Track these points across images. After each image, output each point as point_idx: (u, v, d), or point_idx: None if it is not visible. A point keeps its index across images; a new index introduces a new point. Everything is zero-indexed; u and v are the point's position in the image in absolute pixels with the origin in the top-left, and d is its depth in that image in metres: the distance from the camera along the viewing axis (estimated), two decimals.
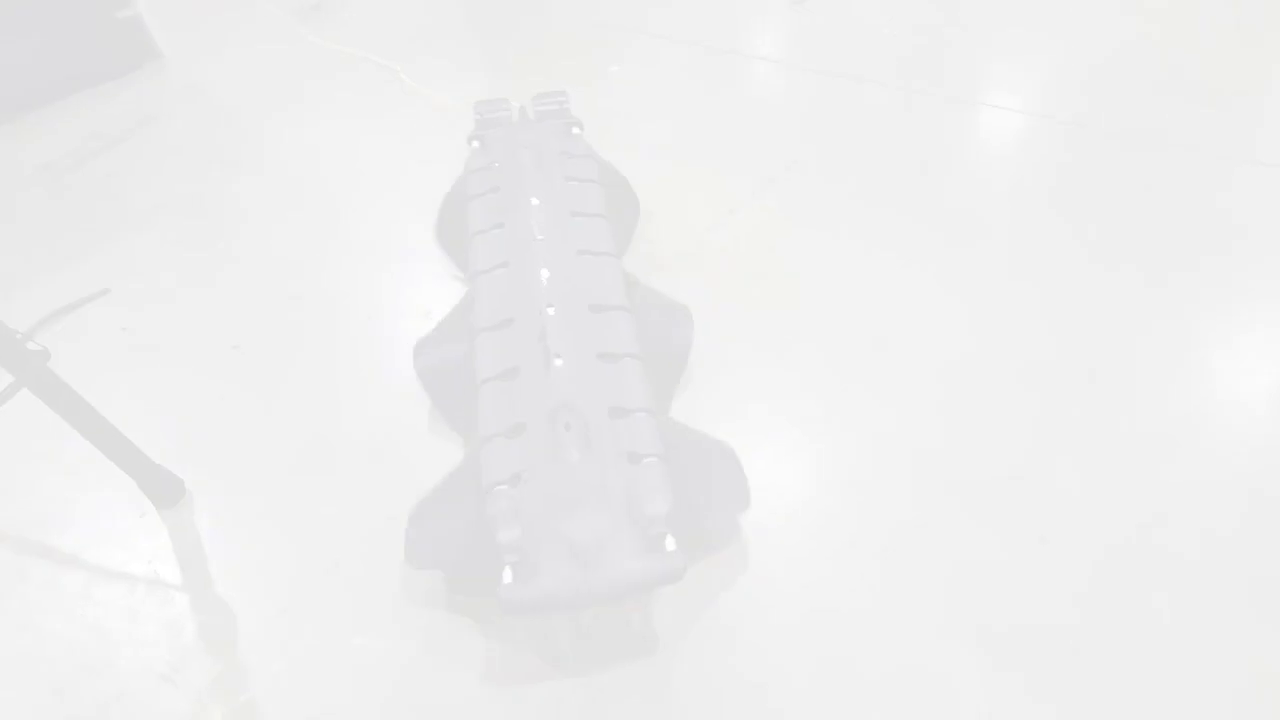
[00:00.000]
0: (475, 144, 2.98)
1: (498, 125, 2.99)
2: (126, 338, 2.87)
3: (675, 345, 2.56)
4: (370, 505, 2.34)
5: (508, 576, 1.80)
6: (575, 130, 2.99)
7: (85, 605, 2.18)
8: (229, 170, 3.64)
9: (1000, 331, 2.64)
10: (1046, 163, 3.31)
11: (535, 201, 2.59)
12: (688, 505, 1.99)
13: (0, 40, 3.88)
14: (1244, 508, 2.15)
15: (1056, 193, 3.16)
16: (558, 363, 2.14)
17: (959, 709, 1.85)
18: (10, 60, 3.93)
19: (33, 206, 3.52)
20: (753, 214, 3.18)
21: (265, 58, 4.41)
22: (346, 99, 4.04)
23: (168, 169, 3.67)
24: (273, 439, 2.54)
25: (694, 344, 2.58)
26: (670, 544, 1.83)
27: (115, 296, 3.00)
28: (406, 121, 3.85)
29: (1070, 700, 1.84)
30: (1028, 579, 2.04)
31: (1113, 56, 3.86)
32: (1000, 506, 2.20)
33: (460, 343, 2.42)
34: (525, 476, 1.95)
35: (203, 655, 2.07)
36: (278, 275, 3.09)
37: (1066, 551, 2.09)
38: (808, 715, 1.86)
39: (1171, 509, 2.15)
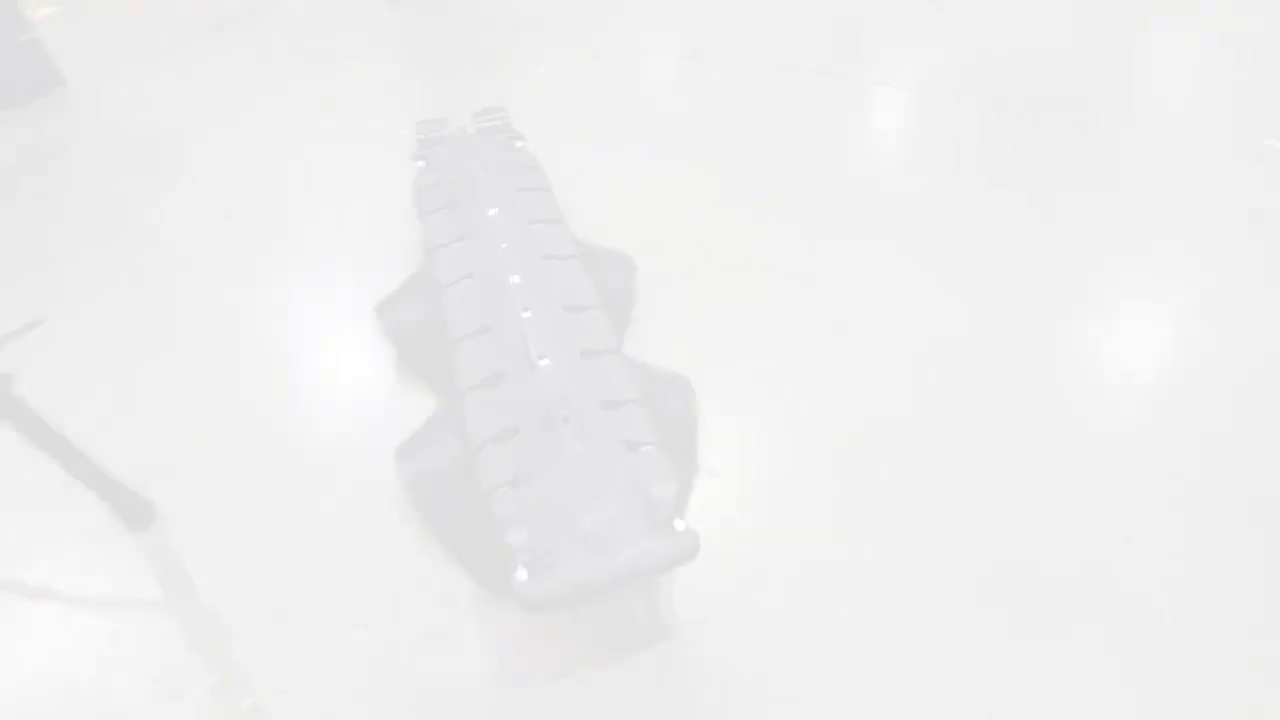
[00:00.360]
0: (420, 163, 3.00)
1: (439, 143, 3.04)
2: (64, 364, 2.80)
3: (617, 293, 2.70)
4: (351, 501, 2.35)
5: (522, 574, 1.81)
6: (519, 143, 3.04)
7: (64, 633, 2.13)
8: (148, 193, 3.57)
9: (966, 297, 2.84)
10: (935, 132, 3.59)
11: (493, 212, 2.64)
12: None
13: None
14: (1199, 433, 2.38)
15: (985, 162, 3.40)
16: (543, 363, 2.17)
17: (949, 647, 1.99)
18: None
19: None
20: (690, 193, 3.34)
21: (172, 80, 4.32)
22: (260, 118, 4.01)
23: (85, 194, 3.57)
24: (236, 450, 2.51)
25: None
26: (680, 525, 1.88)
27: (51, 325, 2.92)
28: (327, 137, 3.84)
29: (1055, 637, 2.00)
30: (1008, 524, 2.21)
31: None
32: (975, 467, 2.35)
33: (423, 301, 2.54)
34: (525, 476, 1.97)
35: (200, 668, 2.04)
36: (215, 287, 3.06)
37: (1041, 495, 2.27)
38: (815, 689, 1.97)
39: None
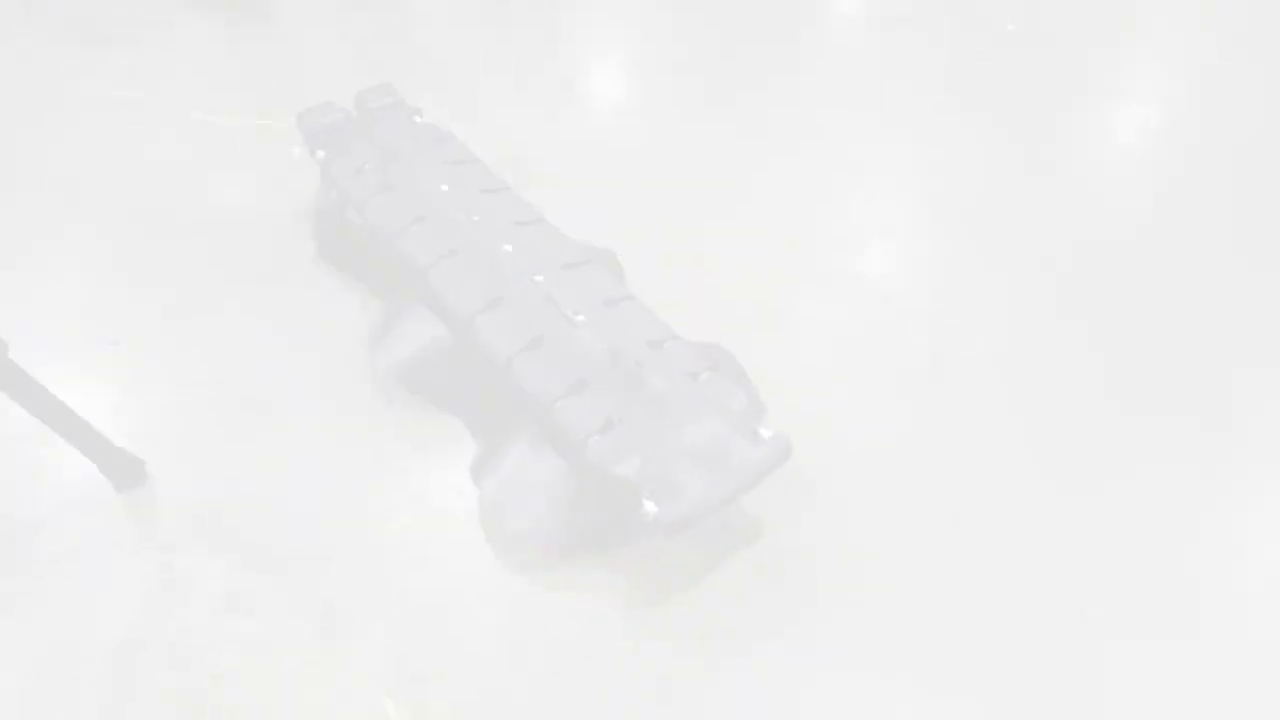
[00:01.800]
0: (321, 154, 2.78)
1: (331, 130, 2.81)
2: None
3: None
4: (345, 434, 2.45)
5: (651, 506, 1.95)
6: (418, 118, 2.89)
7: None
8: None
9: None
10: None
11: (446, 188, 2.60)
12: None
13: None
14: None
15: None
16: (580, 319, 2.27)
17: None
18: None
19: None
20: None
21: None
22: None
23: None
24: (214, 409, 2.54)
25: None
26: (765, 432, 2.07)
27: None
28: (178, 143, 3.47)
29: None
30: None
31: None
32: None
33: (426, 331, 2.43)
34: (615, 421, 2.09)
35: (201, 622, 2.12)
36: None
37: None
38: None
39: None
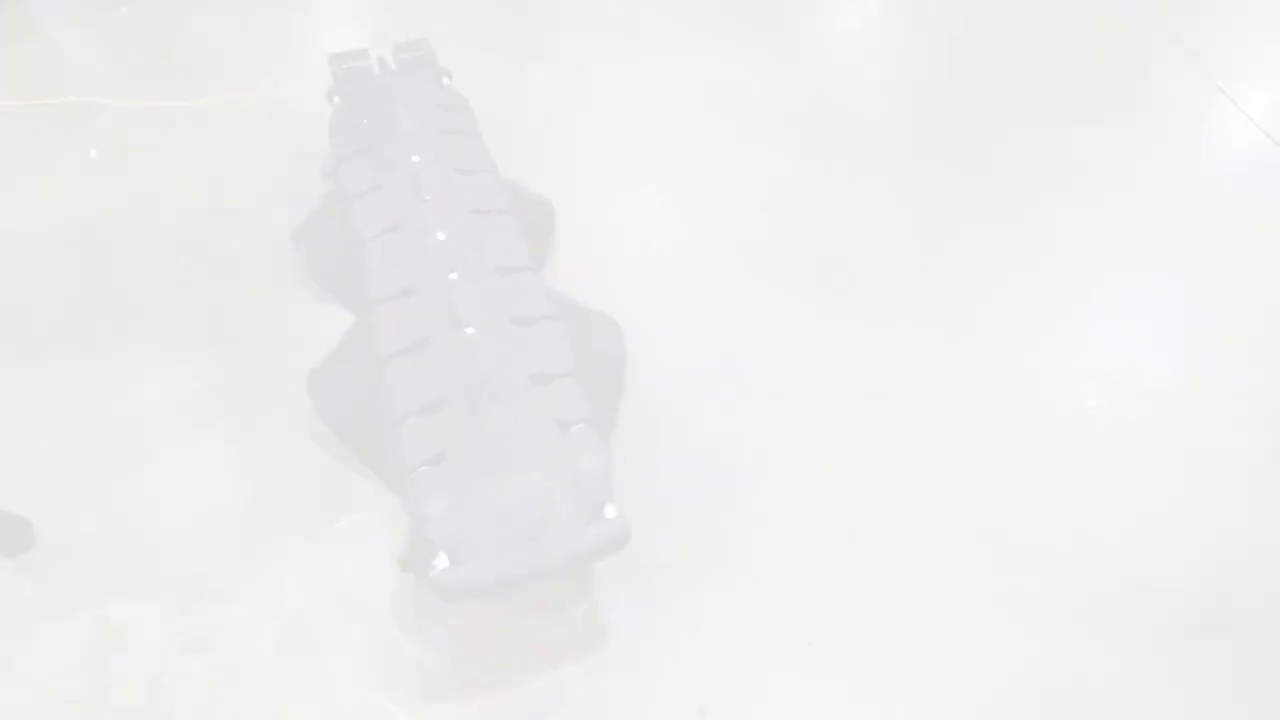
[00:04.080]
0: (336, 100, 2.72)
1: (358, 78, 2.73)
2: None
3: (610, 359, 2.43)
4: (257, 463, 2.30)
5: (442, 560, 1.71)
6: (445, 80, 2.78)
7: None
8: None
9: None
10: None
11: (416, 159, 2.42)
12: (583, 366, 2.07)
13: None
14: None
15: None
16: (469, 331, 2.03)
17: None
18: None
19: None
20: None
21: None
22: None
23: None
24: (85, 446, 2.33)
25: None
26: (610, 511, 1.79)
27: None
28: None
29: None
30: None
31: None
32: None
33: (358, 374, 2.20)
34: (447, 455, 1.86)
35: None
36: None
37: None
38: None
39: None
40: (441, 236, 2.24)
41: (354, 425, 2.23)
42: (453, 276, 2.15)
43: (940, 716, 1.93)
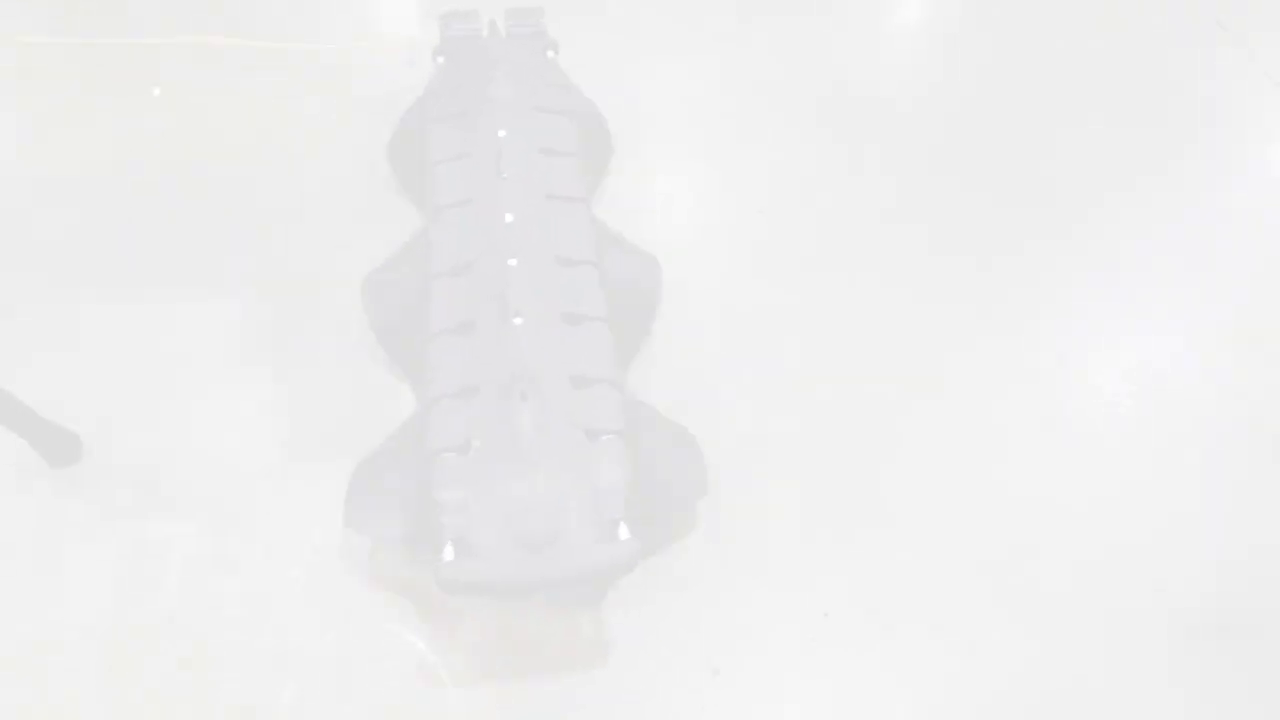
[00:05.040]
0: (440, 60, 2.69)
1: (466, 41, 2.70)
2: None
3: (644, 293, 2.44)
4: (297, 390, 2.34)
5: (449, 553, 1.69)
6: (550, 54, 2.71)
7: None
8: None
9: None
10: None
11: (503, 134, 2.36)
12: (645, 492, 1.90)
13: None
14: None
15: None
16: (517, 321, 1.98)
17: None
18: None
19: None
20: None
21: None
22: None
23: None
24: (138, 371, 2.39)
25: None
26: (624, 532, 1.72)
27: None
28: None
29: None
30: None
31: None
32: None
33: (413, 283, 2.23)
34: (475, 445, 1.82)
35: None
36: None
37: None
38: None
39: None
40: (510, 218, 2.18)
41: (400, 334, 2.27)
42: (512, 262, 2.10)
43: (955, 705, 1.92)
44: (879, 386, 2.44)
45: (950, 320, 2.60)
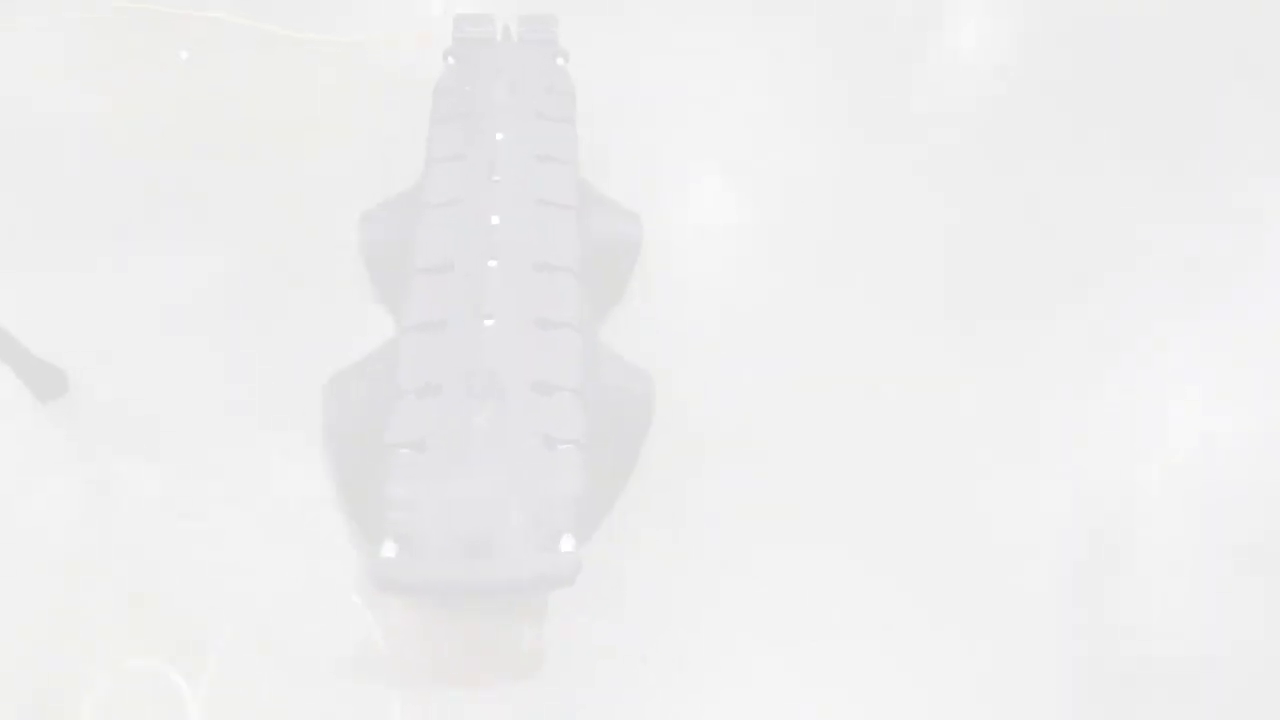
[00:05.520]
0: (450, 60, 2.72)
1: (478, 44, 2.73)
2: None
3: (625, 241, 2.49)
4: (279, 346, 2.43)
5: (389, 550, 1.69)
6: (560, 61, 2.72)
7: None
8: None
9: None
10: None
11: (500, 137, 2.41)
12: (596, 427, 1.95)
13: None
14: None
15: None
16: (488, 323, 2.01)
17: None
18: None
19: None
20: None
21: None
22: None
23: None
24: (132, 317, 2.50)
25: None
26: (567, 543, 1.71)
27: None
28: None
29: None
30: None
31: None
32: None
33: (408, 222, 2.32)
34: (430, 443, 1.84)
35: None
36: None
37: None
38: None
39: None
40: (496, 221, 2.23)
41: (389, 268, 2.37)
42: (492, 264, 2.14)
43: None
44: (877, 386, 2.48)
45: (953, 326, 2.62)
